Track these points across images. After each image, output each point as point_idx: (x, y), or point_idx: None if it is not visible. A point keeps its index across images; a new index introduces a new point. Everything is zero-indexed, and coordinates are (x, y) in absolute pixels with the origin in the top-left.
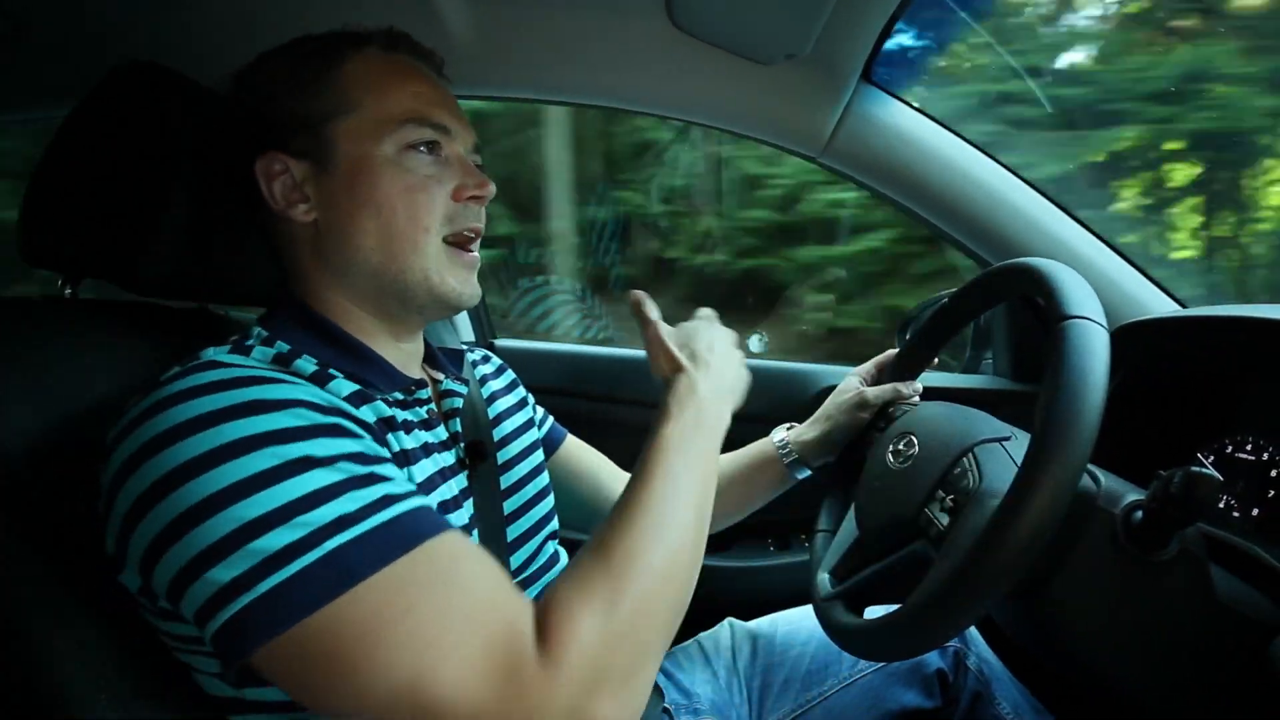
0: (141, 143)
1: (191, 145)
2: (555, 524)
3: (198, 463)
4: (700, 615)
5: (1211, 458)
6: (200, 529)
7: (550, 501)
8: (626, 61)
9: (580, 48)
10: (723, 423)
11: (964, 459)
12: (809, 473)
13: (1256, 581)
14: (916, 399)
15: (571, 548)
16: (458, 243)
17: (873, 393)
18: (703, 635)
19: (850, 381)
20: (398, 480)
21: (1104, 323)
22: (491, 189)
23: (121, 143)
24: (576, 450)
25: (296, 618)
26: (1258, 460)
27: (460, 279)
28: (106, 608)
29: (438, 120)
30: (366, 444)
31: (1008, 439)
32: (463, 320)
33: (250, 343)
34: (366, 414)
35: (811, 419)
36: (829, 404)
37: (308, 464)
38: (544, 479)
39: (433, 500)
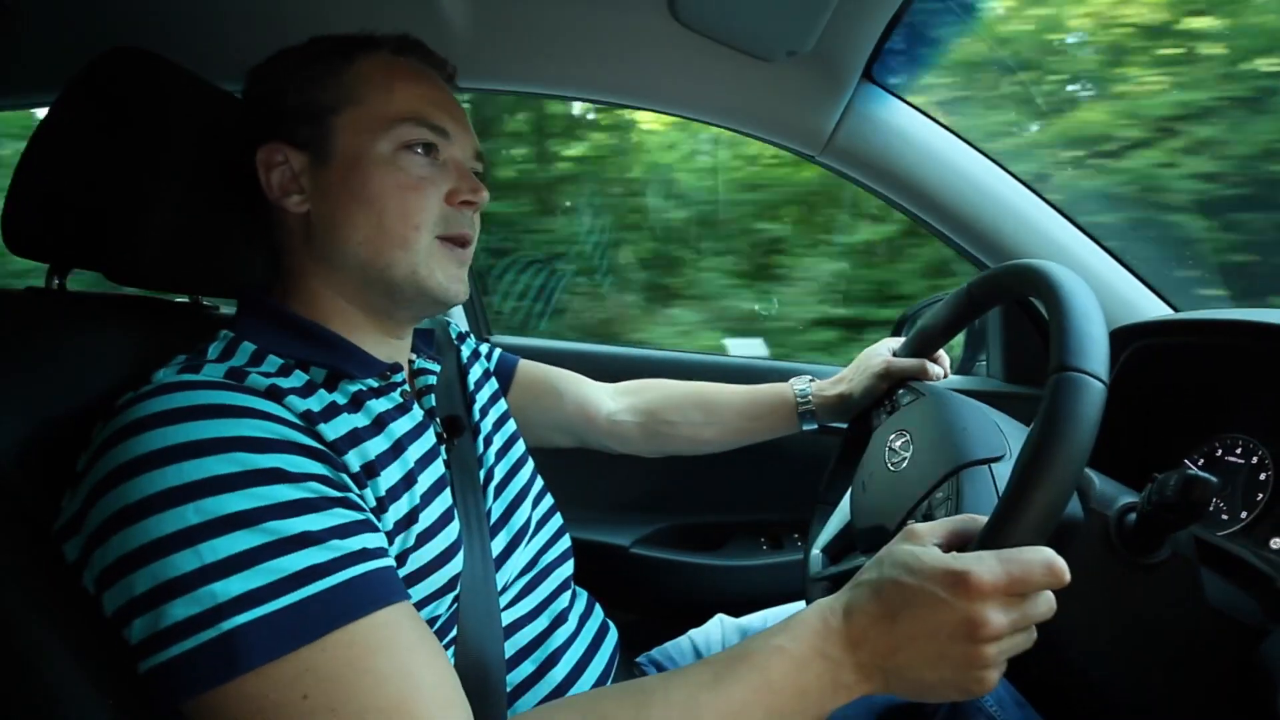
0: (129, 130)
1: (180, 133)
2: (539, 488)
3: (137, 509)
4: (692, 612)
5: (1201, 460)
6: (125, 580)
7: (530, 469)
8: (627, 56)
9: (581, 41)
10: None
11: (948, 482)
12: (815, 426)
13: (1246, 585)
14: (939, 375)
15: (575, 544)
16: (450, 240)
17: (897, 364)
18: (694, 631)
19: (880, 348)
20: (336, 529)
21: (1104, 376)
22: (485, 196)
23: (109, 130)
24: (531, 370)
25: (179, 699)
26: (1247, 463)
27: (449, 275)
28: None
29: (437, 122)
30: (310, 487)
31: (998, 459)
32: (457, 316)
33: (209, 354)
34: (327, 430)
35: (835, 377)
36: (853, 366)
37: (229, 524)
38: (528, 462)
39: (415, 492)
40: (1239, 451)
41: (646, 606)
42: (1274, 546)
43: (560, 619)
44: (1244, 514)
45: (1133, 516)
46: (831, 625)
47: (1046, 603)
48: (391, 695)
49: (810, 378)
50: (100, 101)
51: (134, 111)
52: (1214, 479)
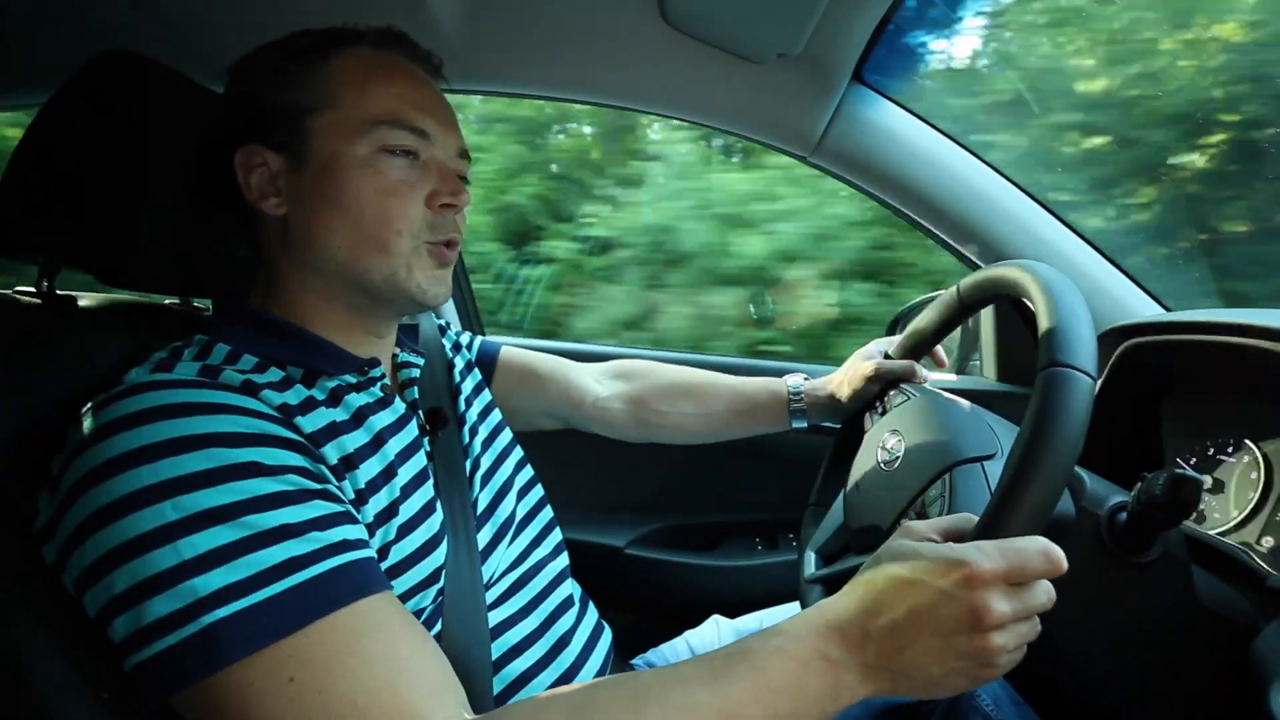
0: (121, 132)
1: (172, 136)
2: (525, 481)
3: (114, 508)
4: (687, 613)
5: (1194, 459)
6: (105, 580)
7: (515, 461)
8: (617, 57)
9: (571, 43)
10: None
11: (940, 480)
12: (805, 424)
13: (1237, 583)
14: (926, 377)
15: (569, 546)
16: (436, 245)
17: (886, 366)
18: (689, 633)
19: (871, 350)
20: (315, 521)
21: (1092, 370)
22: (466, 198)
23: (100, 132)
24: (514, 356)
25: (166, 694)
26: (1239, 462)
27: (430, 277)
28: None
29: (417, 124)
30: (288, 479)
31: (989, 457)
32: (449, 314)
33: (183, 355)
34: (304, 423)
35: (827, 378)
36: (844, 368)
37: (207, 519)
38: (517, 450)
39: (395, 485)
40: (1230, 451)
41: (642, 608)
42: (1265, 545)
43: (554, 616)
44: (1235, 513)
45: (1123, 516)
46: (833, 626)
47: (1045, 591)
48: (379, 676)
49: (805, 376)
50: (90, 105)
51: (124, 114)
52: (1201, 478)
